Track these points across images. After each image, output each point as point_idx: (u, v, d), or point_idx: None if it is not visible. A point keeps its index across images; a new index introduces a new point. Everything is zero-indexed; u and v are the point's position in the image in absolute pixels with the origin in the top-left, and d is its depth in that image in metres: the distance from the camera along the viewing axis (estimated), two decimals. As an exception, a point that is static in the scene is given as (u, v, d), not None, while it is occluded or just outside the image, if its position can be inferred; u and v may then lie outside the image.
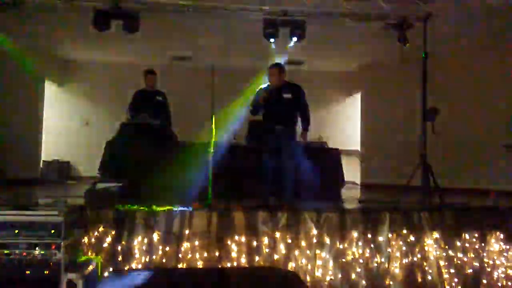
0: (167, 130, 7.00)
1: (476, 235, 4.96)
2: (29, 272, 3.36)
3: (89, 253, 4.25)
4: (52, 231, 3.39)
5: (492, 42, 8.23)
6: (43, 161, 10.04)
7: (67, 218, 3.51)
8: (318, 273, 4.64)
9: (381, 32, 7.29)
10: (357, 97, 10.89)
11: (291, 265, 4.62)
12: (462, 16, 7.05)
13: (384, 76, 10.05)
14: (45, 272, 3.36)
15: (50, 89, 10.36)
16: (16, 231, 3.39)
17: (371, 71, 10.41)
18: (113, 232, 4.41)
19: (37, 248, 3.37)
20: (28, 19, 7.08)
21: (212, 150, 5.25)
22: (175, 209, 4.61)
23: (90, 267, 3.64)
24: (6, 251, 3.35)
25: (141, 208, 4.61)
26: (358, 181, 10.13)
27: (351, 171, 9.41)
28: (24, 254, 3.36)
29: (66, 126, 10.62)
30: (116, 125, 6.98)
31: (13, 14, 6.62)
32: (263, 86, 5.86)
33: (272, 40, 6.87)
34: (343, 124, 11.08)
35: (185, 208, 4.67)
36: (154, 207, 4.63)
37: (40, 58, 9.10)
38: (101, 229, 4.38)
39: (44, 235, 3.39)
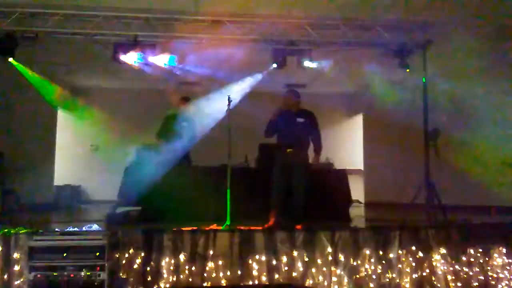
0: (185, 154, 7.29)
1: (481, 250, 5.27)
2: (75, 292, 3.66)
3: (121, 274, 4.52)
4: (97, 253, 3.69)
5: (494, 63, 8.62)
6: (55, 185, 10.29)
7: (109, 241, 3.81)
8: (334, 289, 4.93)
9: (381, 54, 7.68)
10: (359, 117, 11.22)
11: (308, 282, 4.91)
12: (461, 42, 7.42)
13: (385, 96, 10.39)
14: (90, 292, 3.65)
15: (60, 115, 10.67)
16: (64, 254, 3.69)
17: (373, 92, 10.74)
18: (142, 254, 4.69)
19: (83, 270, 3.67)
20: (45, 50, 7.37)
21: (229, 173, 5.58)
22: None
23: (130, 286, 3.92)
24: (55, 273, 3.64)
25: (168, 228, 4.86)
26: (362, 199, 10.43)
27: (355, 190, 9.70)
28: (72, 275, 3.66)
29: (76, 151, 10.92)
30: (125, 150, 7.30)
31: (31, 44, 6.90)
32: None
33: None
34: (346, 144, 11.41)
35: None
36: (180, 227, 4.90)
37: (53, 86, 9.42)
38: (131, 251, 4.66)
39: (90, 257, 3.69)
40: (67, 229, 3.92)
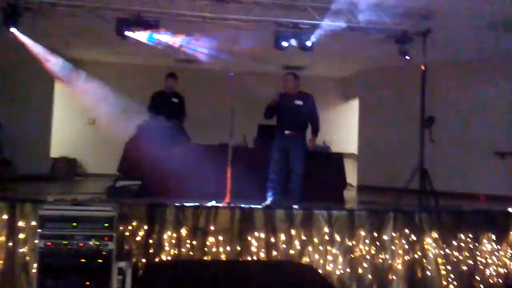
0: (181, 130, 7.39)
1: (471, 235, 5.49)
2: (84, 260, 3.78)
3: (125, 245, 4.65)
4: (106, 224, 3.81)
5: (489, 54, 8.76)
6: (51, 158, 10.33)
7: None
8: (329, 267, 5.12)
9: (380, 40, 7.77)
10: (355, 102, 11.35)
11: (305, 260, 5.09)
12: (461, 31, 7.53)
13: (381, 82, 10.55)
14: (98, 261, 3.78)
15: (58, 88, 10.65)
16: (74, 224, 3.80)
17: (369, 77, 10.89)
18: (145, 227, 4.82)
19: (92, 240, 3.79)
20: (45, 21, 7.31)
21: (230, 152, 5.69)
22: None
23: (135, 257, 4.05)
24: (64, 242, 3.76)
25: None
26: (354, 183, 10.63)
27: (348, 173, 9.90)
28: (81, 244, 3.77)
29: (73, 124, 10.94)
30: (122, 124, 7.38)
31: (32, 15, 6.86)
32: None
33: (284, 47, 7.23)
34: (341, 128, 11.57)
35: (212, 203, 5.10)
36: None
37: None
38: (134, 223, 4.78)
39: (99, 227, 3.80)
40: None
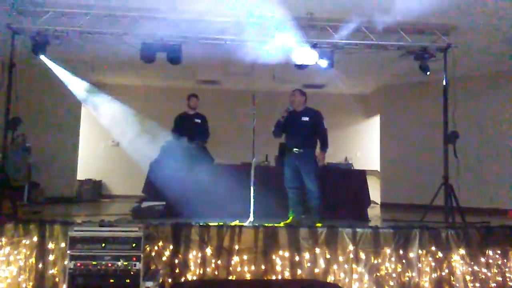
0: (204, 151, 7.49)
1: (499, 251, 5.37)
2: (112, 280, 3.87)
3: (152, 265, 4.72)
4: (134, 244, 3.89)
5: (509, 68, 8.69)
6: (77, 180, 10.55)
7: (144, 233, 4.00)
8: (355, 286, 5.06)
9: (400, 56, 7.80)
10: (376, 118, 11.33)
11: (330, 278, 5.05)
12: (480, 46, 7.52)
13: (402, 97, 10.55)
14: (126, 280, 3.85)
15: (84, 111, 10.92)
16: (103, 244, 3.89)
17: (390, 93, 10.90)
18: (171, 247, 4.88)
19: (120, 260, 3.87)
20: (71, 46, 7.54)
21: (252, 171, 5.75)
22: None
23: (161, 277, 4.11)
24: (94, 262, 3.85)
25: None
26: (378, 200, 10.54)
27: (371, 191, 9.84)
28: (109, 265, 3.86)
29: (98, 146, 11.18)
30: (146, 146, 7.52)
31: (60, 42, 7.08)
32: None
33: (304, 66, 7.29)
34: (363, 145, 11.55)
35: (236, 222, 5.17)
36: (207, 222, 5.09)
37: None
38: (160, 243, 4.85)
39: (127, 248, 3.88)
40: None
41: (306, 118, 6.11)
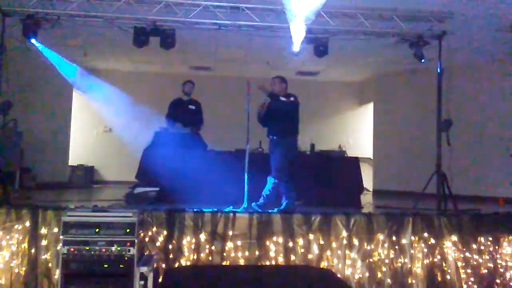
0: (198, 137, 7.46)
1: (491, 238, 5.45)
2: (107, 266, 3.85)
3: (146, 250, 4.71)
4: (127, 230, 3.87)
5: (504, 57, 8.70)
6: (69, 165, 10.47)
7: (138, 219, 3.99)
8: (348, 271, 5.11)
9: (394, 44, 7.77)
10: (370, 106, 11.33)
11: (323, 264, 5.09)
12: (476, 33, 7.51)
13: (396, 86, 10.55)
14: (120, 266, 3.85)
15: (76, 97, 10.81)
16: (97, 230, 3.87)
17: (383, 81, 10.89)
18: (165, 232, 4.88)
19: (114, 245, 3.85)
20: (63, 30, 7.42)
21: (247, 158, 5.74)
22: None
23: (155, 263, 4.10)
24: (87, 247, 3.83)
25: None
26: (370, 187, 10.59)
27: (363, 178, 9.89)
28: (103, 250, 3.84)
29: (90, 132, 11.10)
30: (138, 132, 7.48)
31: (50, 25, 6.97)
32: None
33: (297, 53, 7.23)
34: (356, 133, 11.56)
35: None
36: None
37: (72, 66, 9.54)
38: (154, 229, 4.84)
39: (120, 233, 3.87)
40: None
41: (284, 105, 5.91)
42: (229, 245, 4.97)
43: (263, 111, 5.98)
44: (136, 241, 3.90)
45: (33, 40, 6.84)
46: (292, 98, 5.97)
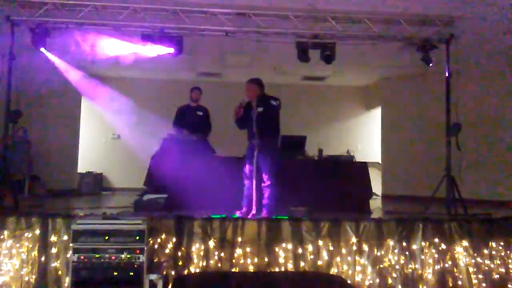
0: (206, 144, 7.47)
1: (502, 243, 5.37)
2: (116, 273, 3.87)
3: (155, 258, 4.71)
4: (137, 237, 3.88)
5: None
6: (78, 173, 10.52)
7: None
8: (358, 278, 5.07)
9: (402, 48, 7.76)
10: (378, 110, 11.29)
11: (333, 271, 5.05)
12: (484, 36, 7.47)
13: (404, 90, 10.50)
14: (130, 273, 3.85)
15: (84, 104, 10.87)
16: (106, 237, 3.88)
17: (391, 85, 10.84)
18: (174, 239, 4.87)
19: (123, 253, 3.86)
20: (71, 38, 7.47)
21: (255, 164, 5.73)
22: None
23: (164, 270, 4.10)
24: (97, 255, 3.84)
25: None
26: (379, 192, 10.53)
27: (372, 183, 9.84)
28: (113, 258, 3.86)
29: (99, 139, 11.15)
30: (146, 139, 7.50)
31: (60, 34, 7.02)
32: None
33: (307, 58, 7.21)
34: (364, 137, 11.52)
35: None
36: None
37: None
38: (163, 236, 4.84)
39: (130, 241, 3.87)
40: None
41: (260, 109, 5.77)
42: (238, 251, 4.95)
43: (240, 113, 5.82)
44: (145, 248, 3.90)
45: (42, 49, 6.90)
46: (262, 109, 5.79)
